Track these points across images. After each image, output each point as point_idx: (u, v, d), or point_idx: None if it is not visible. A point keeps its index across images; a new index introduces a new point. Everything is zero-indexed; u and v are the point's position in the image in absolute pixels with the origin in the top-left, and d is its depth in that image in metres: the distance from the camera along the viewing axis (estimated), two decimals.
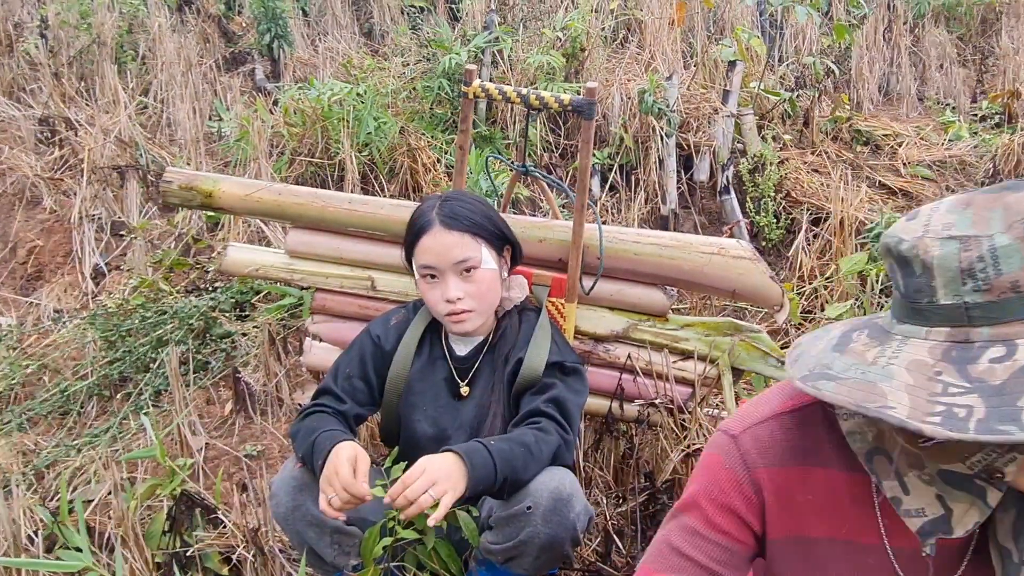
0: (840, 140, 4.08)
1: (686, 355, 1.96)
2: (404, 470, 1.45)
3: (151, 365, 2.78)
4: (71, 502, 1.99)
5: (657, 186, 3.67)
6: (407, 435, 1.73)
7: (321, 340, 2.10)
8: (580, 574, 1.83)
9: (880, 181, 3.85)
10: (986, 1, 5.43)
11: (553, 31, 4.16)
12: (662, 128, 3.67)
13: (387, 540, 1.50)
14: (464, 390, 1.72)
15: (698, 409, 1.91)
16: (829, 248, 3.22)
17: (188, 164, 3.89)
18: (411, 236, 1.69)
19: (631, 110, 3.82)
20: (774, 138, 3.91)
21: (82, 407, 2.72)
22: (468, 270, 1.65)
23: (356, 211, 1.98)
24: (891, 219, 3.13)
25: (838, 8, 5.25)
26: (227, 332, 2.87)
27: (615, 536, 1.83)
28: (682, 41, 4.62)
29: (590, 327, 1.95)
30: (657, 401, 1.91)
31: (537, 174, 2.01)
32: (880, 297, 2.86)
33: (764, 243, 3.47)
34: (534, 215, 3.29)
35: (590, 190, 2.15)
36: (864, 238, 3.17)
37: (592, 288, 1.90)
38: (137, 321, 2.91)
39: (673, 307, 1.99)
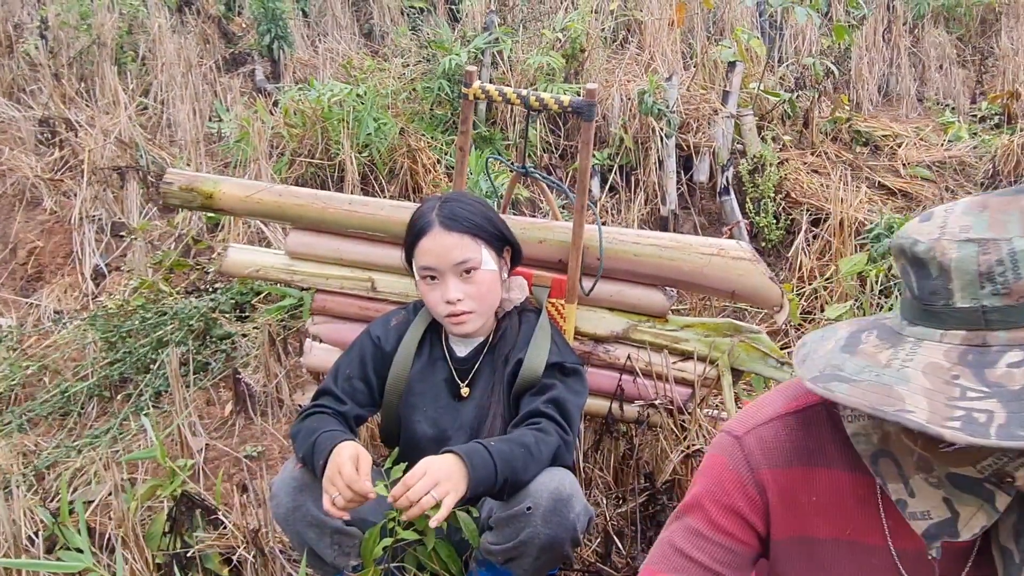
0: (840, 141, 4.08)
1: (686, 356, 1.95)
2: (404, 471, 1.45)
3: (151, 366, 2.78)
4: (71, 503, 1.99)
5: (657, 187, 3.67)
6: (407, 436, 1.73)
7: (321, 341, 2.10)
8: (580, 575, 1.83)
9: (880, 182, 3.85)
10: (985, 2, 5.43)
11: (553, 32, 4.16)
12: (662, 129, 3.67)
13: (387, 541, 1.50)
14: (464, 391, 1.72)
15: (698, 410, 1.91)
16: (829, 249, 3.22)
17: (188, 165, 3.89)
18: (411, 237, 1.69)
19: (631, 111, 3.82)
20: (774, 139, 3.91)
21: (82, 408, 2.72)
22: (468, 271, 1.65)
23: (356, 212, 1.98)
24: (891, 220, 3.13)
25: (837, 9, 5.25)
26: (227, 333, 2.87)
27: (615, 537, 1.83)
28: (682, 42, 4.62)
29: (590, 328, 1.95)
30: (657, 402, 1.91)
31: (537, 175, 2.01)
32: (879, 298, 2.86)
33: (764, 244, 3.47)
34: (534, 216, 3.30)
35: (590, 191, 2.15)
36: (864, 239, 3.17)
37: (592, 289, 1.90)
38: (137, 322, 2.91)
39: (673, 308, 1.99)
